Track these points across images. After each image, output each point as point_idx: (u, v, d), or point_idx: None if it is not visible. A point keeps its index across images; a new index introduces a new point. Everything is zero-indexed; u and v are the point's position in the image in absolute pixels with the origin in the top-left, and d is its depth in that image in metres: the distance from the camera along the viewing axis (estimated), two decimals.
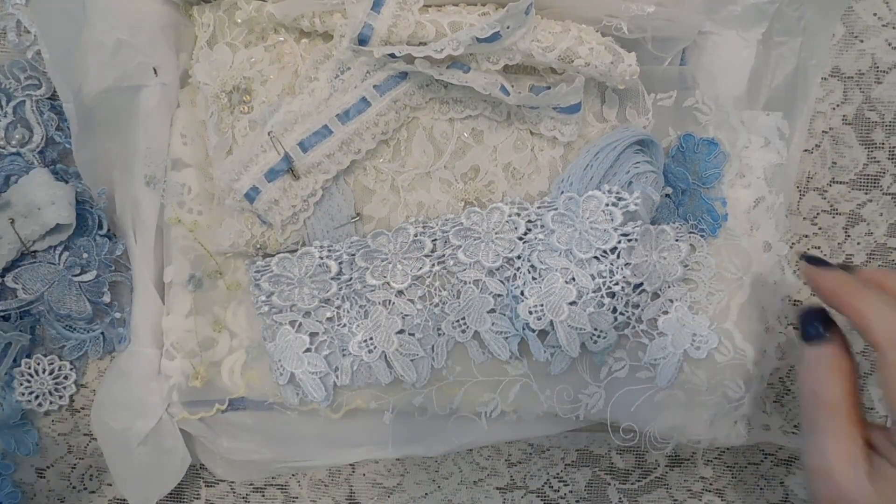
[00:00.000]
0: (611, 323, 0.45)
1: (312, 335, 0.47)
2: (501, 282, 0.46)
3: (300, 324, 0.47)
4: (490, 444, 0.51)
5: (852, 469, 0.36)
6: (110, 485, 0.53)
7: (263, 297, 0.47)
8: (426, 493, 0.52)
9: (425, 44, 0.43)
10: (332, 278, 0.46)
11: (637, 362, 0.48)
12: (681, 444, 0.49)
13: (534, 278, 0.45)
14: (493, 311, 0.47)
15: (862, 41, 0.51)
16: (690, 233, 0.48)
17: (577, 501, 0.53)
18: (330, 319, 0.47)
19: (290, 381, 0.47)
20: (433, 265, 0.47)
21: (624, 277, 0.45)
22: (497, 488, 0.52)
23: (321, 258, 0.46)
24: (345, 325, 0.47)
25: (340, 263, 0.46)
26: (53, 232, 0.47)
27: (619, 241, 0.44)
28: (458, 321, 0.47)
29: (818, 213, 0.52)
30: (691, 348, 0.47)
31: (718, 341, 0.47)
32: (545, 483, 0.53)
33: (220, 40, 0.47)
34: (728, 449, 0.53)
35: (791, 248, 0.52)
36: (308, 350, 0.47)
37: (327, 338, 0.47)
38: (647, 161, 0.46)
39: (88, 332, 0.48)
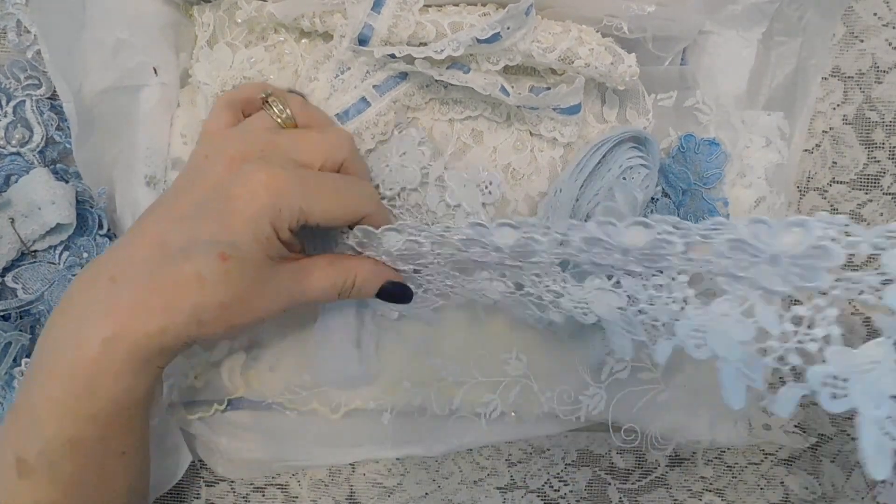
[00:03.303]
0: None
1: None
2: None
3: None
4: (490, 444, 0.51)
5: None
6: None
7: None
8: (426, 493, 0.52)
9: (425, 44, 0.43)
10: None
11: (639, 363, 0.47)
12: (681, 444, 0.49)
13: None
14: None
15: (862, 41, 0.51)
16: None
17: (578, 501, 0.53)
18: None
19: None
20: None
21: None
22: (497, 488, 0.52)
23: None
24: None
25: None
26: (53, 231, 0.47)
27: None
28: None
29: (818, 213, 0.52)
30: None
31: None
32: (545, 483, 0.52)
33: (220, 40, 0.47)
34: (728, 449, 0.53)
35: None
36: None
37: None
38: (640, 156, 0.45)
39: None
